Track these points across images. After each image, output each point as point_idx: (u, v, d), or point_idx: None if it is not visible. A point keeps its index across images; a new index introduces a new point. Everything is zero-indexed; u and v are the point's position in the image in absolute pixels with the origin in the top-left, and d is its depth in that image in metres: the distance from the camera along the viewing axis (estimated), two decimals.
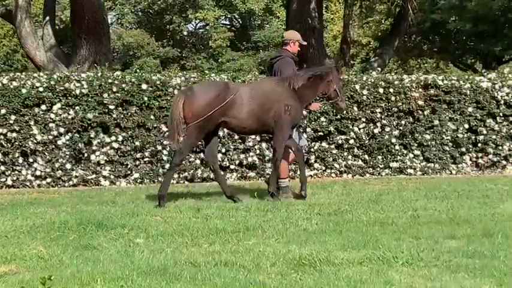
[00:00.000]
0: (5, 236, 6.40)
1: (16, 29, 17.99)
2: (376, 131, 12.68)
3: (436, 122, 12.89)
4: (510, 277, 4.78)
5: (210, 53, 43.43)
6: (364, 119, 12.62)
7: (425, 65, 34.84)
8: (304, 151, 10.17)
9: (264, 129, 9.01)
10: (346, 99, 11.92)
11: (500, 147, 13.19)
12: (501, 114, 13.19)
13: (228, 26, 46.86)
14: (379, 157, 12.73)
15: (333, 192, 9.91)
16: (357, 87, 12.50)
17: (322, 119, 12.35)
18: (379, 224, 6.94)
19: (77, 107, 11.45)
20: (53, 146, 11.40)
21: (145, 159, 11.73)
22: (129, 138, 11.62)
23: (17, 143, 11.26)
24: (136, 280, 4.73)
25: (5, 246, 5.91)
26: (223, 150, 11.87)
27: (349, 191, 10.14)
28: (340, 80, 9.23)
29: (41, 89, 11.34)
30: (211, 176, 11.60)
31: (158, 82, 11.79)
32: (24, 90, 11.26)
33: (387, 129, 12.73)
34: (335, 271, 4.98)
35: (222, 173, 9.96)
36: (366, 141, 12.65)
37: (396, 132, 12.80)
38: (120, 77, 11.77)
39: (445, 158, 12.99)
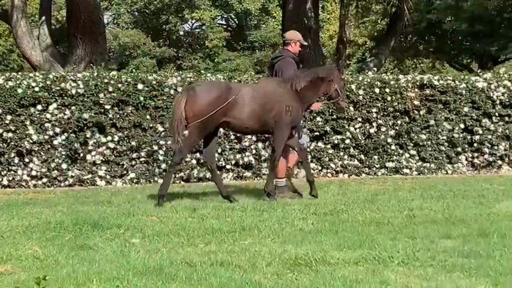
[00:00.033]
0: (0, 236, 6.38)
1: (12, 29, 17.92)
2: (372, 130, 12.69)
3: (432, 122, 12.92)
4: (505, 277, 4.79)
5: (206, 53, 43.41)
6: (360, 119, 12.63)
7: (421, 65, 34.86)
8: (306, 148, 10.20)
9: (265, 129, 9.05)
10: None
11: (495, 147, 13.22)
12: (497, 114, 13.22)
13: (224, 26, 46.85)
14: (375, 157, 12.74)
15: (329, 192, 9.92)
16: (353, 87, 12.51)
17: (318, 118, 12.36)
18: (375, 223, 6.94)
19: (72, 107, 11.44)
20: (49, 146, 11.39)
21: (141, 159, 11.72)
22: (125, 138, 11.61)
23: (12, 143, 11.24)
24: (132, 280, 4.73)
25: (0, 247, 5.89)
26: (219, 150, 11.86)
27: (345, 190, 10.15)
28: (341, 80, 9.27)
29: (36, 89, 11.32)
30: (207, 175, 11.61)
31: (154, 82, 11.78)
32: (20, 90, 11.24)
33: (383, 129, 12.74)
34: (331, 271, 4.98)
35: (219, 173, 9.96)
36: (362, 141, 12.66)
37: (392, 132, 12.81)
38: (116, 77, 11.76)
39: (440, 157, 13.01)
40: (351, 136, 12.58)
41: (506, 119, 13.29)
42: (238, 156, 12.08)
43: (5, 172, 11.30)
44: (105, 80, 11.62)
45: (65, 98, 11.44)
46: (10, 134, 11.22)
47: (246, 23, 46.45)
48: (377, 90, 12.65)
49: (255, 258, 5.33)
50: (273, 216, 7.34)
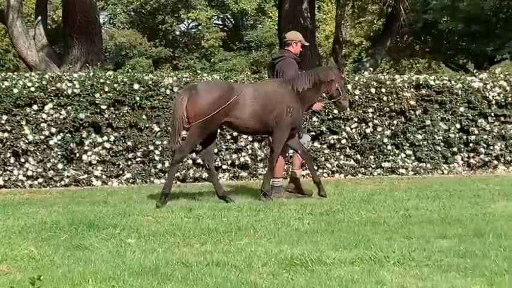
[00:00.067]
0: None
1: (8, 29, 17.92)
2: (368, 130, 12.70)
3: (428, 122, 12.92)
4: (501, 277, 4.79)
5: (202, 53, 43.43)
6: (356, 119, 12.64)
7: (417, 65, 34.93)
8: (307, 147, 10.20)
9: (266, 129, 9.04)
10: None
11: (491, 147, 13.24)
12: (492, 114, 13.24)
13: (221, 26, 46.90)
14: (371, 157, 12.75)
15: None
16: (349, 87, 12.52)
17: (314, 118, 12.36)
18: (371, 223, 6.94)
19: (68, 107, 11.42)
20: (45, 146, 11.37)
21: (137, 159, 11.71)
22: (121, 138, 11.60)
23: (8, 143, 11.22)
24: (127, 280, 4.72)
25: None
26: (215, 150, 11.85)
27: (341, 190, 10.15)
28: (342, 79, 9.28)
29: (32, 89, 11.30)
30: (204, 175, 11.61)
31: (150, 82, 11.77)
32: (15, 90, 11.22)
33: (379, 129, 12.75)
34: (327, 271, 4.98)
35: (216, 173, 9.96)
36: (358, 141, 12.67)
37: (388, 132, 12.82)
38: (112, 77, 11.74)
39: (436, 157, 13.02)
40: (347, 136, 12.58)
41: (502, 119, 13.31)
42: (234, 156, 12.08)
43: (0, 172, 11.28)
44: (101, 80, 11.61)
45: (61, 98, 11.42)
46: (6, 134, 11.20)
47: (242, 23, 46.48)
48: (373, 90, 12.66)
49: (250, 258, 5.33)
50: (269, 216, 7.34)
